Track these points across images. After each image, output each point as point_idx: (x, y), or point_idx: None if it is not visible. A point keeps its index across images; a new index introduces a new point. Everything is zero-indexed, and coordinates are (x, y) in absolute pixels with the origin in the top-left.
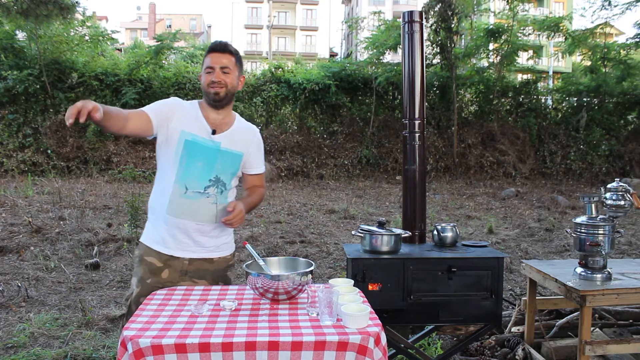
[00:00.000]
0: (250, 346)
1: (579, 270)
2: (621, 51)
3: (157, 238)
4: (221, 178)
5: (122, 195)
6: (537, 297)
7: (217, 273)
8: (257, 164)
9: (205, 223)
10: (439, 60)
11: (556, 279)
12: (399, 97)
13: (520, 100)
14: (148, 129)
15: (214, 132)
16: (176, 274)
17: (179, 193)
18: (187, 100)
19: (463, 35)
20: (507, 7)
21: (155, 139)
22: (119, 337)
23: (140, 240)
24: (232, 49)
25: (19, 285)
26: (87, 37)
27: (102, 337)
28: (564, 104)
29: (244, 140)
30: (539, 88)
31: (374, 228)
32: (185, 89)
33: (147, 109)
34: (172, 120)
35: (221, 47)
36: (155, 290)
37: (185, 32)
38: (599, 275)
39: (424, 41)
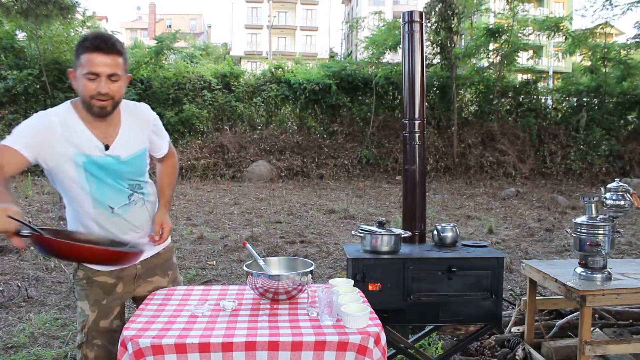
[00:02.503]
0: (250, 346)
1: (579, 270)
2: (621, 51)
3: None
4: (136, 181)
5: None
6: (537, 297)
7: (166, 263)
8: (161, 146)
9: (144, 227)
10: (439, 60)
11: (556, 279)
12: (399, 97)
13: (520, 100)
14: (23, 165)
15: (107, 147)
16: (130, 283)
17: (105, 215)
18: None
19: (463, 35)
20: (507, 7)
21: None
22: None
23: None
24: (119, 46)
25: (19, 285)
26: None
27: None
28: (564, 104)
29: (140, 132)
30: (539, 88)
31: (374, 228)
32: (185, 89)
33: (14, 144)
34: (53, 145)
35: (108, 46)
36: (114, 308)
37: (185, 32)
38: (599, 275)
39: (424, 41)
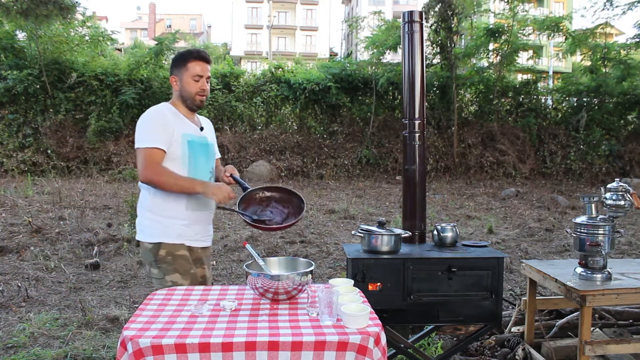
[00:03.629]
0: (250, 346)
1: (579, 270)
2: (621, 51)
3: (176, 233)
4: (212, 168)
5: (122, 195)
6: (537, 297)
7: (208, 259)
8: (217, 151)
9: (213, 211)
10: (439, 60)
11: (556, 279)
12: (399, 97)
13: (520, 100)
14: (164, 157)
15: (201, 129)
16: (197, 262)
17: None
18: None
19: (463, 35)
20: (507, 7)
21: None
22: (119, 337)
23: (158, 241)
24: (210, 58)
25: (19, 285)
26: (87, 37)
27: (102, 337)
28: (564, 104)
29: (211, 131)
30: (539, 88)
31: (374, 228)
32: None
33: (158, 144)
34: (171, 132)
35: (207, 57)
36: (195, 278)
37: (185, 32)
38: (599, 275)
39: (424, 41)
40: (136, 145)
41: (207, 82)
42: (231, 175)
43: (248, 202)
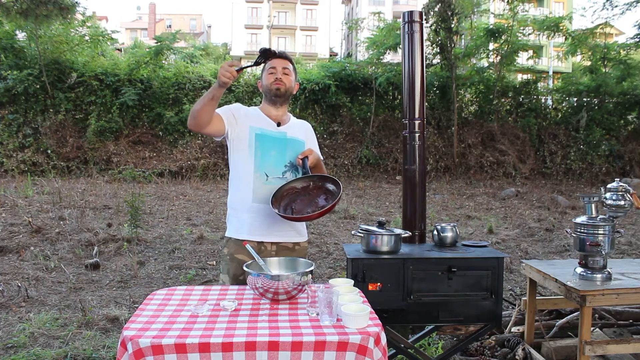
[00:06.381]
0: (250, 346)
1: (579, 270)
2: (621, 51)
3: (244, 228)
4: (289, 162)
5: (122, 195)
6: (537, 297)
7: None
8: (316, 151)
9: None
10: (439, 60)
11: (556, 279)
12: (399, 97)
13: (520, 100)
14: (221, 129)
15: (278, 125)
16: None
17: (261, 181)
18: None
19: (463, 35)
20: (507, 7)
21: (222, 144)
22: (119, 337)
23: (227, 235)
24: (289, 56)
25: (19, 285)
26: (87, 37)
27: (102, 337)
28: (564, 104)
29: (302, 130)
30: (539, 88)
31: (374, 228)
32: (185, 89)
33: (218, 110)
34: (239, 119)
35: (282, 54)
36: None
37: (185, 32)
38: (599, 275)
39: (424, 41)
40: None
41: (285, 74)
42: (303, 159)
43: (288, 194)
